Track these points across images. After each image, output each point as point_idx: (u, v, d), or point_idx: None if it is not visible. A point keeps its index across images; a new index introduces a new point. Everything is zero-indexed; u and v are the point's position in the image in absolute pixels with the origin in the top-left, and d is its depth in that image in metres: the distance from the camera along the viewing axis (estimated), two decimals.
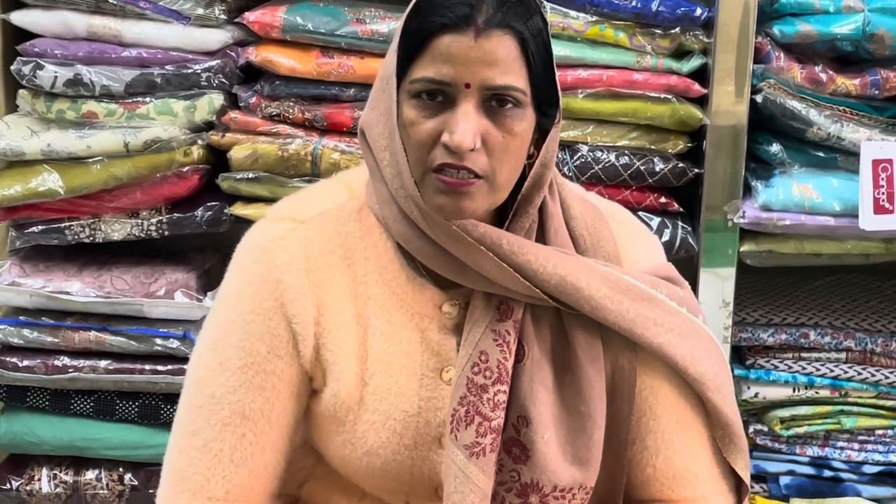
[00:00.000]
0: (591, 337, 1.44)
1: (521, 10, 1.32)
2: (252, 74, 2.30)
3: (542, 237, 1.44)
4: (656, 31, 2.19)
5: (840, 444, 2.39)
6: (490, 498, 1.39)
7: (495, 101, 1.31)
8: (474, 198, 1.33)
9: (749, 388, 2.36)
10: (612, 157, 2.23)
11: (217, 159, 2.32)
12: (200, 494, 1.43)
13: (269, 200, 2.22)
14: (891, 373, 2.36)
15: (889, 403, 2.38)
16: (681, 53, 2.23)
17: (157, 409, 2.33)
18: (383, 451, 1.43)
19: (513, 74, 1.31)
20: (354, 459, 1.45)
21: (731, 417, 1.48)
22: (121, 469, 2.39)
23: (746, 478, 1.51)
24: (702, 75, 2.23)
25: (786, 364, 2.36)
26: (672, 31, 2.18)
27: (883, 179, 2.14)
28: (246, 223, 2.21)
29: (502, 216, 1.43)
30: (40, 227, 2.29)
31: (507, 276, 1.38)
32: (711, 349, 1.49)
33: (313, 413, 1.48)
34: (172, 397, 2.32)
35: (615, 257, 1.50)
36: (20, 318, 2.30)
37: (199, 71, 2.22)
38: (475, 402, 1.39)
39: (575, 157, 2.23)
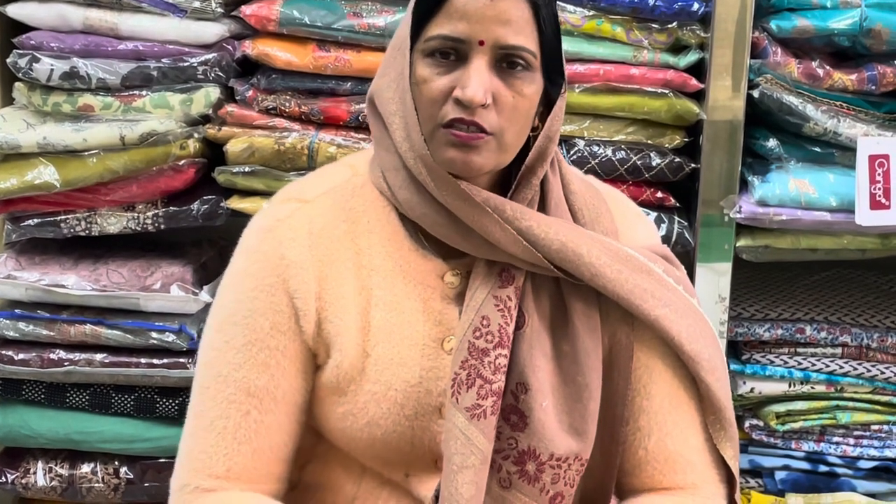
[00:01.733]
0: (589, 308, 1.47)
1: None
2: (248, 68, 2.30)
3: (542, 209, 1.48)
4: (653, 25, 2.19)
5: (835, 439, 2.40)
6: (489, 464, 1.40)
7: (506, 63, 1.36)
8: (482, 152, 1.37)
9: (745, 383, 2.36)
10: (609, 151, 2.23)
11: (213, 153, 2.32)
12: (202, 471, 1.45)
13: (266, 194, 2.23)
14: (886, 368, 2.36)
15: (884, 399, 2.38)
16: (678, 48, 2.23)
17: (152, 402, 2.32)
18: (384, 421, 1.45)
19: (525, 36, 1.36)
20: (356, 431, 1.46)
21: (723, 402, 1.49)
22: (116, 462, 2.39)
23: (735, 468, 1.52)
24: (699, 70, 2.23)
25: (782, 359, 2.36)
26: (669, 26, 2.18)
27: (879, 175, 2.14)
28: (242, 217, 2.22)
29: (506, 188, 1.46)
30: (36, 221, 2.29)
31: (511, 240, 1.41)
32: (706, 331, 1.51)
33: (315, 386, 1.49)
34: (168, 391, 2.32)
35: (613, 233, 1.53)
36: (16, 311, 2.30)
37: (195, 64, 2.21)
38: (476, 366, 1.41)
39: (572, 152, 2.23)
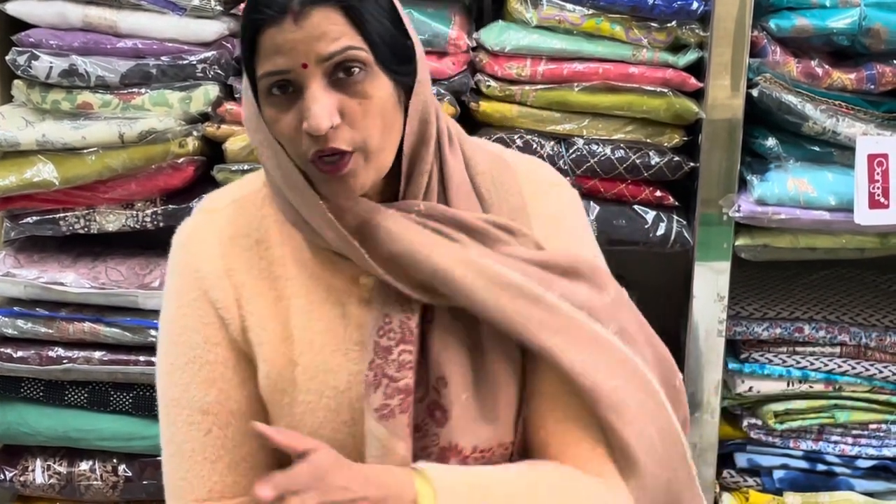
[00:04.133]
0: None
1: None
2: None
3: (443, 194, 1.44)
4: (652, 24, 2.19)
5: (834, 438, 2.40)
6: (411, 460, 1.38)
7: (342, 72, 1.30)
8: (356, 174, 1.33)
9: (743, 381, 2.36)
10: (608, 150, 2.23)
11: (212, 150, 2.32)
12: (187, 498, 1.45)
13: None
14: (885, 367, 2.36)
15: (883, 398, 2.38)
16: (677, 47, 2.23)
17: (150, 400, 2.32)
18: (323, 430, 1.43)
19: (344, 38, 1.30)
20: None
21: (629, 441, 1.41)
22: (115, 460, 2.39)
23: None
24: (698, 69, 2.23)
25: (780, 358, 2.36)
26: (668, 25, 2.18)
27: (878, 174, 2.14)
28: None
29: (397, 181, 1.42)
30: (35, 218, 2.29)
31: (379, 270, 1.39)
32: (619, 363, 1.44)
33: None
34: None
35: (521, 210, 1.49)
36: (14, 308, 2.30)
37: (194, 62, 2.21)
38: (382, 365, 1.39)
39: (571, 151, 2.23)
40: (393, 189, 1.43)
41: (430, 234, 1.40)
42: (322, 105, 1.29)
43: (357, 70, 1.31)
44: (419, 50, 1.40)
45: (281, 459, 1.47)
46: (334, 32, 1.29)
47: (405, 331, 1.40)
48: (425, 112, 1.40)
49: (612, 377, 1.42)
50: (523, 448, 1.48)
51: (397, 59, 1.36)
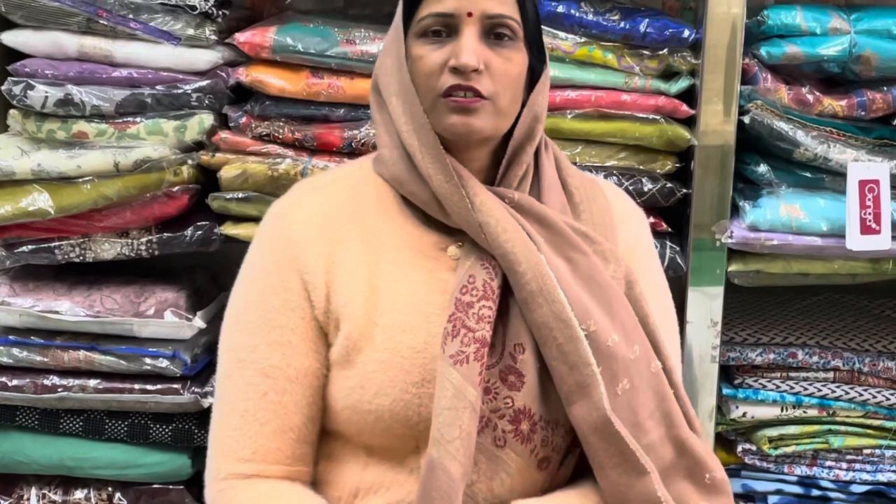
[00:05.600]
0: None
1: None
2: (242, 95, 2.31)
3: (536, 187, 1.58)
4: (644, 52, 2.20)
5: (828, 463, 2.40)
6: (479, 411, 1.44)
7: (493, 35, 1.48)
8: (481, 115, 1.47)
9: (737, 407, 2.37)
10: (601, 176, 2.23)
11: (207, 179, 2.32)
12: (231, 456, 1.51)
13: (259, 220, 2.20)
14: (878, 392, 2.36)
15: (876, 423, 2.38)
16: (669, 74, 2.24)
17: (146, 428, 2.32)
18: (391, 389, 1.49)
19: (508, 6, 1.49)
20: (364, 404, 1.50)
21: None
22: (110, 489, 2.38)
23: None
24: (690, 96, 2.24)
25: (774, 383, 2.37)
26: (660, 53, 2.20)
27: (869, 200, 2.15)
28: (236, 242, 2.23)
29: (496, 167, 1.56)
30: (30, 247, 2.29)
31: (471, 229, 1.50)
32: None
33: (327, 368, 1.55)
34: (162, 417, 2.32)
35: (607, 212, 1.61)
36: (10, 337, 2.30)
37: (189, 91, 2.22)
38: (461, 317, 1.46)
39: None
40: (491, 176, 1.55)
41: (515, 220, 1.51)
42: (475, 47, 1.46)
43: (507, 38, 1.49)
44: (546, 49, 1.58)
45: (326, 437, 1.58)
46: None
47: (487, 290, 1.49)
48: (541, 109, 1.56)
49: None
50: None
51: (537, 44, 1.54)
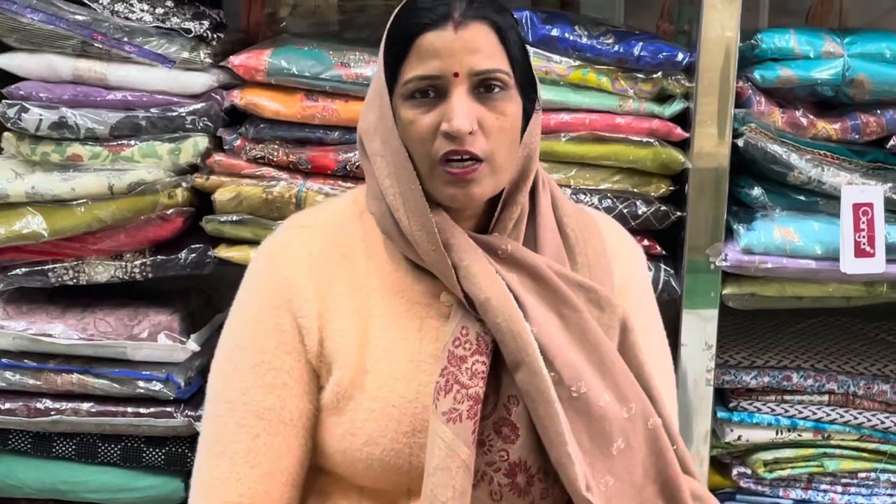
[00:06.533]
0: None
1: (491, 5, 1.44)
2: (237, 117, 2.31)
3: (532, 229, 1.54)
4: (638, 75, 2.20)
5: (823, 486, 2.40)
6: (472, 468, 1.42)
7: (483, 88, 1.43)
8: (480, 182, 1.43)
9: (732, 430, 2.36)
10: (595, 199, 2.23)
11: (201, 202, 2.32)
12: (216, 499, 1.48)
13: (254, 243, 2.23)
14: (873, 415, 2.36)
15: (871, 446, 2.38)
16: (663, 98, 2.24)
17: (139, 451, 2.32)
18: (382, 439, 1.47)
19: (495, 59, 1.43)
20: (354, 451, 1.48)
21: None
22: None
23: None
24: (684, 119, 2.24)
25: (769, 406, 2.36)
26: (654, 76, 2.20)
27: (863, 223, 2.16)
28: (230, 265, 2.23)
29: (492, 210, 1.52)
30: (24, 270, 2.28)
31: (454, 290, 1.47)
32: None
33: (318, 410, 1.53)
34: (155, 440, 2.31)
35: (602, 253, 1.58)
36: (3, 360, 2.29)
37: (183, 114, 2.22)
38: (454, 372, 1.44)
39: None
40: (485, 221, 1.53)
41: (502, 285, 1.47)
42: (466, 109, 1.41)
43: (498, 89, 1.44)
44: (538, 84, 1.52)
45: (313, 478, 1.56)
46: (487, 49, 1.42)
47: (481, 344, 1.46)
48: (534, 146, 1.51)
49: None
50: None
51: (529, 85, 1.49)
